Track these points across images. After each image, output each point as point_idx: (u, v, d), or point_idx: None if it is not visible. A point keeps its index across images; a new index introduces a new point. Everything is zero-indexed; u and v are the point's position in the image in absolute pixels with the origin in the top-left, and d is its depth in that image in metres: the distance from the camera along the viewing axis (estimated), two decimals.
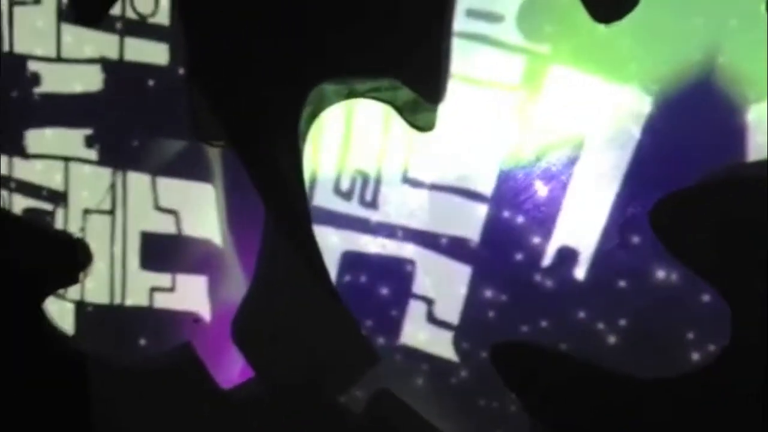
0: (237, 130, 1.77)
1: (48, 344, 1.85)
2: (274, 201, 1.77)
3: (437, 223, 2.42)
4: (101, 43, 2.43)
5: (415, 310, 2.46)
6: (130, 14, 2.41)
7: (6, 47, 2.46)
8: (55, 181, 2.53)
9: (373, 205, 2.44)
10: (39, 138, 2.53)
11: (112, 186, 2.47)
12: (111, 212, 2.51)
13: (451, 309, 2.42)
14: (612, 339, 2.32)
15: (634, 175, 2.31)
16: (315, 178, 2.44)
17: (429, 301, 2.45)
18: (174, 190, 2.49)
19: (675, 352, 2.25)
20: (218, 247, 2.52)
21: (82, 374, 1.83)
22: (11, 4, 2.46)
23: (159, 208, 2.51)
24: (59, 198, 2.53)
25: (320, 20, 1.72)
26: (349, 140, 2.43)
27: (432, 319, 2.45)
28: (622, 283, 2.31)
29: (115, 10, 2.38)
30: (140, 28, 2.41)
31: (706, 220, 1.59)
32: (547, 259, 2.37)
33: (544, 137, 2.36)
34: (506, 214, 2.39)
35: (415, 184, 2.42)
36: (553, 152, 2.36)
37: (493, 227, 2.39)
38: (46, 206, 2.54)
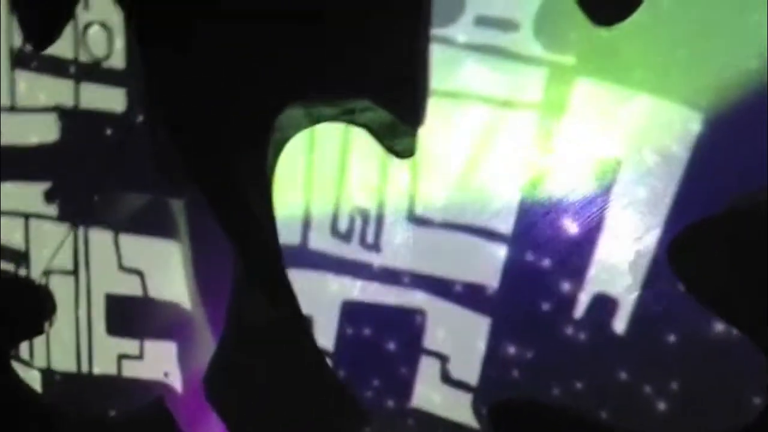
0: (199, 163, 1.68)
1: (15, 394, 1.88)
2: (242, 239, 1.67)
3: (450, 267, 2.21)
4: (56, 90, 2.39)
5: (428, 368, 2.26)
6: (84, 57, 2.35)
7: None
8: (15, 240, 2.49)
9: (375, 247, 2.25)
10: None
11: (66, 242, 2.41)
12: (74, 272, 2.45)
13: (468, 367, 2.22)
14: (661, 405, 2.09)
15: (680, 206, 2.07)
16: (309, 217, 2.27)
17: (443, 358, 2.25)
18: (138, 248, 2.42)
19: (738, 421, 1.92)
20: (187, 310, 2.41)
21: (48, 424, 1.87)
22: None
23: (123, 268, 2.44)
24: (20, 257, 2.49)
25: (283, 39, 1.62)
26: (344, 172, 2.25)
27: (447, 378, 2.25)
28: (671, 338, 2.07)
29: (68, 54, 2.34)
30: (95, 72, 2.34)
31: (722, 254, 1.51)
32: (580, 309, 2.13)
33: (571, 163, 2.13)
34: (529, 256, 2.16)
35: (423, 222, 2.22)
36: (583, 181, 2.12)
37: (515, 272, 2.17)
38: (8, 266, 2.48)
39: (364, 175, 2.23)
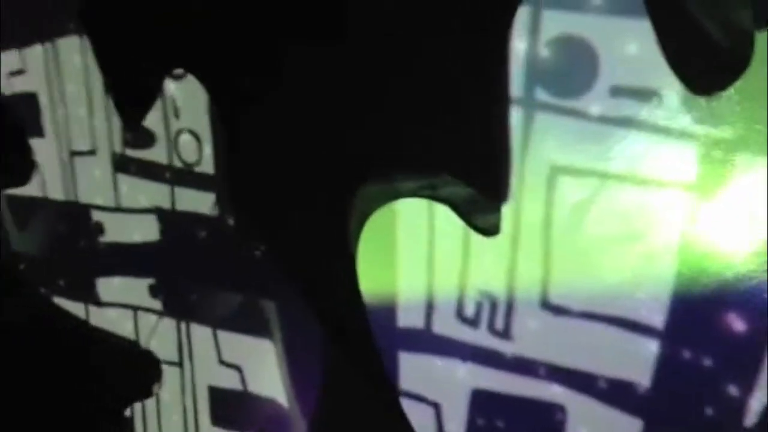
0: (282, 245, 1.63)
1: None
2: (329, 316, 1.59)
3: (591, 360, 1.99)
4: (154, 193, 2.44)
5: None
6: (177, 163, 2.39)
7: (71, 197, 2.58)
8: (126, 331, 2.55)
9: (505, 335, 2.08)
10: (108, 286, 2.58)
11: (171, 335, 2.45)
12: (179, 364, 2.50)
13: None
14: None
15: None
16: (432, 300, 2.13)
17: None
18: (235, 344, 2.43)
19: None
20: (283, 406, 2.38)
21: None
22: (71, 155, 2.56)
23: (223, 363, 2.46)
24: None
25: (358, 111, 1.53)
26: (468, 253, 2.08)
27: None
28: None
29: (163, 159, 2.38)
30: (188, 177, 2.38)
31: None
32: (751, 417, 1.85)
33: (731, 248, 1.86)
34: (686, 354, 1.89)
35: (559, 311, 2.01)
36: (747, 268, 1.83)
37: (669, 370, 1.92)
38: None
39: (490, 258, 2.06)
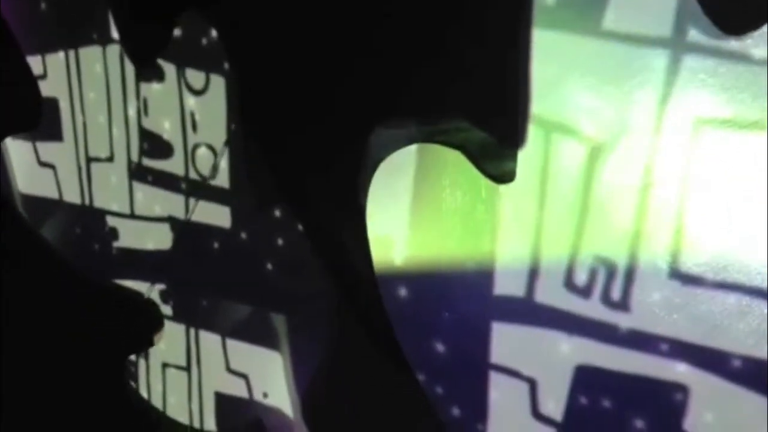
0: (291, 185, 1.68)
1: (130, 404, 2.03)
2: (335, 262, 1.62)
3: (724, 337, 1.76)
4: (169, 203, 2.43)
5: None
6: (193, 175, 2.37)
7: (87, 201, 2.57)
8: None
9: (623, 306, 1.83)
10: None
11: (180, 340, 2.43)
12: (187, 369, 2.51)
13: None
14: None
15: None
16: (537, 266, 1.88)
17: None
18: (243, 353, 2.41)
19: None
20: (288, 417, 2.37)
21: None
22: (88, 161, 2.56)
23: (230, 371, 2.46)
24: None
25: (375, 56, 1.52)
26: (586, 213, 1.81)
27: None
28: None
29: (179, 170, 2.37)
30: (203, 189, 2.36)
31: None
32: None
33: None
34: None
35: (691, 280, 1.77)
36: None
37: None
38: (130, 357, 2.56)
39: (610, 218, 1.78)
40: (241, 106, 1.71)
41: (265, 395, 2.37)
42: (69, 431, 1.94)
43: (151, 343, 2.10)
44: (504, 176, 1.62)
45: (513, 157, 1.57)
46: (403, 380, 1.62)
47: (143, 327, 2.04)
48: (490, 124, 1.52)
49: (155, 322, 2.09)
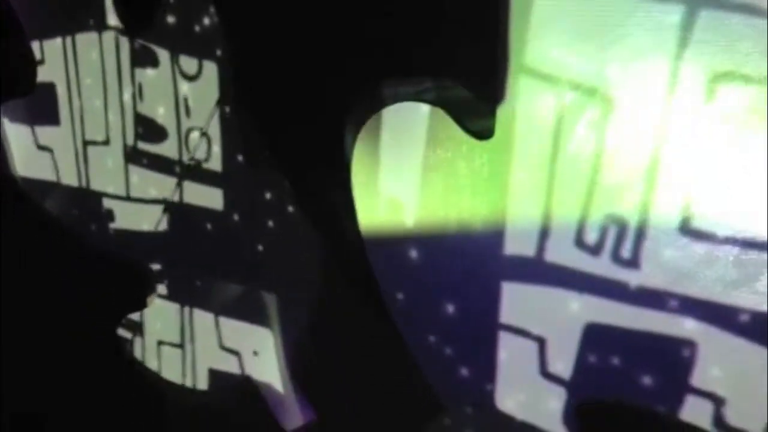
0: (280, 144, 1.72)
1: (126, 368, 2.11)
2: (322, 221, 1.68)
3: (733, 291, 1.72)
4: (163, 185, 2.46)
5: (696, 412, 1.80)
6: (186, 159, 2.40)
7: (84, 184, 2.63)
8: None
9: (633, 263, 1.80)
10: None
11: (174, 319, 2.50)
12: (181, 346, 2.57)
13: (752, 415, 1.76)
14: None
15: None
16: (548, 224, 1.85)
17: (718, 401, 1.80)
18: (235, 331, 2.47)
19: None
20: (279, 392, 2.43)
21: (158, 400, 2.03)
22: (85, 144, 2.62)
23: (223, 348, 2.51)
24: (136, 327, 2.64)
25: (357, 20, 1.55)
26: (597, 171, 1.79)
27: (722, 426, 1.81)
28: None
29: (173, 154, 2.41)
30: (196, 172, 2.39)
31: None
32: None
33: None
34: None
35: (702, 236, 1.73)
36: None
37: None
38: (125, 334, 2.64)
39: (621, 175, 1.75)
40: (236, 60, 1.74)
41: (256, 353, 2.42)
42: (71, 393, 2.00)
43: (144, 305, 2.19)
44: (483, 132, 1.62)
45: (492, 113, 1.57)
46: (388, 335, 1.66)
47: (137, 289, 2.11)
48: (470, 81, 1.53)
49: (149, 286, 2.18)
